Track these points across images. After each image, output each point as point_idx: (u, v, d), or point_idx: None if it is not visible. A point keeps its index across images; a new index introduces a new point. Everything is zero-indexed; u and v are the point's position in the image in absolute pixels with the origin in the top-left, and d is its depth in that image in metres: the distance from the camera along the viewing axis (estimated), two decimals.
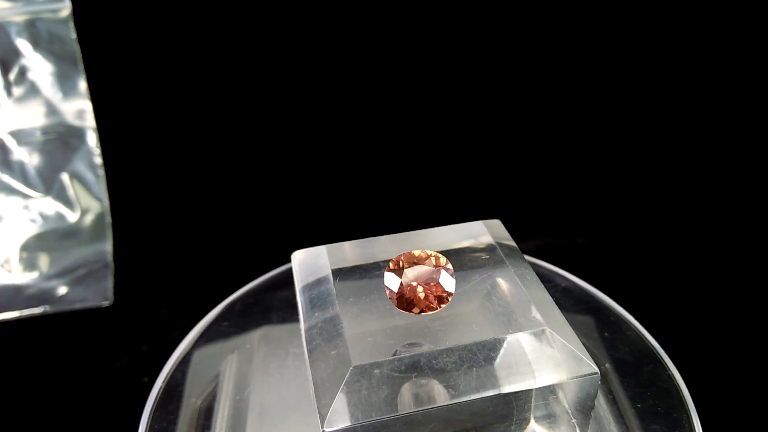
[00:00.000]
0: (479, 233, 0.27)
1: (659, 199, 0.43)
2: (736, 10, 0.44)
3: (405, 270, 0.22)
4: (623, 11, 0.45)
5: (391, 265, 0.22)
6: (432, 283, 0.22)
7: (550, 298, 0.24)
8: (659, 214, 0.42)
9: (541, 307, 0.23)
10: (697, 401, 0.25)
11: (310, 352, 0.22)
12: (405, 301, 0.22)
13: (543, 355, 0.21)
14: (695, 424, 0.24)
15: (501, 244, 0.26)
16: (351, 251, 0.26)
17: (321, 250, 0.26)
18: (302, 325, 0.23)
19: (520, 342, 0.21)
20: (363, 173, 0.45)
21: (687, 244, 0.39)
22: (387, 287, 0.22)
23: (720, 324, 0.33)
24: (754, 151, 0.45)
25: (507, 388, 0.21)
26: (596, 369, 0.21)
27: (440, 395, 0.21)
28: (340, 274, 0.25)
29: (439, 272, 0.22)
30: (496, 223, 0.28)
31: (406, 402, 0.20)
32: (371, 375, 0.21)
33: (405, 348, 0.22)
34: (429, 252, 0.23)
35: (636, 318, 0.29)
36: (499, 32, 0.45)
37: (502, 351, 0.21)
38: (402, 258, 0.22)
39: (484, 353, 0.21)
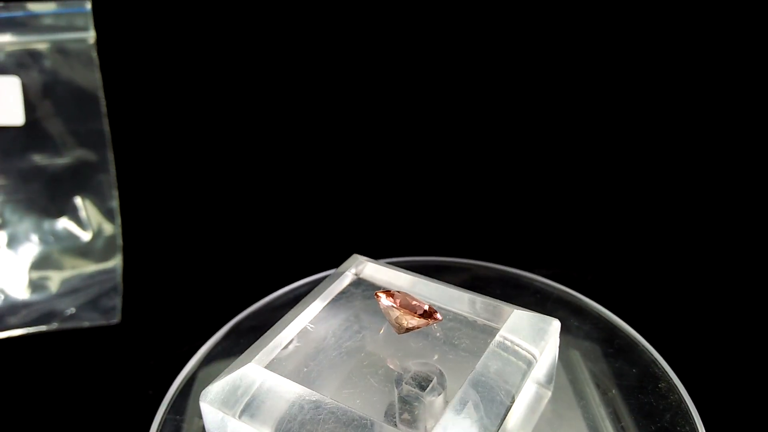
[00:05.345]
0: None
1: (672, 229, 0.43)
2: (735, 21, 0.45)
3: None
4: (621, 36, 0.46)
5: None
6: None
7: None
8: (670, 244, 0.42)
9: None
10: None
11: None
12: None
13: None
14: None
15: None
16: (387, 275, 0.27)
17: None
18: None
19: None
20: (368, 194, 0.46)
21: (703, 275, 0.39)
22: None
23: (739, 359, 0.33)
24: (760, 189, 0.45)
25: None
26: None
27: None
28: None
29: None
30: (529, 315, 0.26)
31: None
32: None
33: None
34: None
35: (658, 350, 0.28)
36: (493, 55, 0.46)
37: None
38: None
39: None
